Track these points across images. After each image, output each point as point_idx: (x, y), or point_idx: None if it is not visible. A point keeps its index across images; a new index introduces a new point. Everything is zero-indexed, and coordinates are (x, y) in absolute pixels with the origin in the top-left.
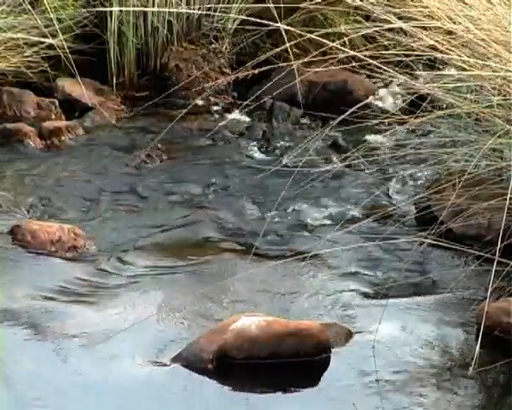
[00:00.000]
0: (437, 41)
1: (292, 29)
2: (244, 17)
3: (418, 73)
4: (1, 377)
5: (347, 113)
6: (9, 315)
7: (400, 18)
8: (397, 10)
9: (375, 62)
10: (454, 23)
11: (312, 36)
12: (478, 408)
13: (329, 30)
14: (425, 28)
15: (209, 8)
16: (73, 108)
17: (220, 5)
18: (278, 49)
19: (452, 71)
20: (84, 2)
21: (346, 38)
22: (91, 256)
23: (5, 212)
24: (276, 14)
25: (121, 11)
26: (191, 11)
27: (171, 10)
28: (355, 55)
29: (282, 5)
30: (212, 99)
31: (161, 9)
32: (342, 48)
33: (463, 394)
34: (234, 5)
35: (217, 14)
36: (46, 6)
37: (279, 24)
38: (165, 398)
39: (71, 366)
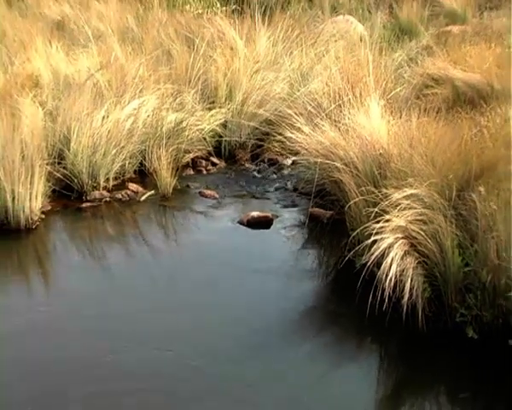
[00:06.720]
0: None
1: (267, 145)
2: (253, 141)
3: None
4: (185, 227)
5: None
6: (194, 213)
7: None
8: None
9: (284, 152)
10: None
11: (270, 145)
12: (303, 225)
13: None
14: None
15: (245, 140)
16: (213, 164)
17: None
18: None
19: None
20: (217, 136)
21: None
22: (218, 198)
23: (196, 188)
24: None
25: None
26: (242, 140)
27: (237, 139)
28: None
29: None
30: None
31: (232, 138)
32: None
33: (303, 229)
34: (250, 140)
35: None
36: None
37: (264, 143)
38: (235, 233)
39: (206, 222)
